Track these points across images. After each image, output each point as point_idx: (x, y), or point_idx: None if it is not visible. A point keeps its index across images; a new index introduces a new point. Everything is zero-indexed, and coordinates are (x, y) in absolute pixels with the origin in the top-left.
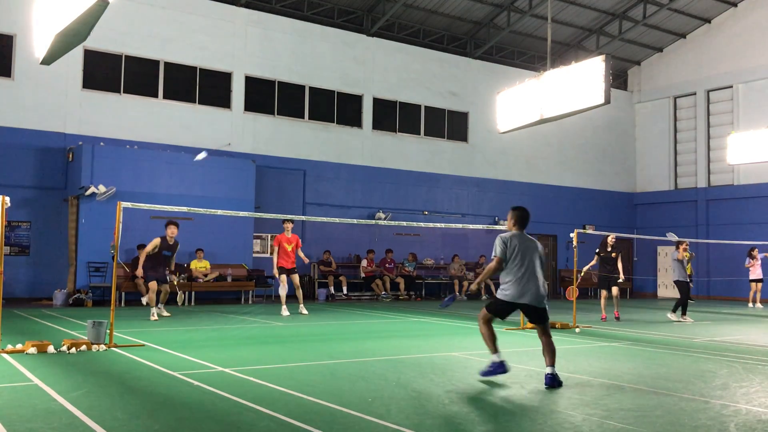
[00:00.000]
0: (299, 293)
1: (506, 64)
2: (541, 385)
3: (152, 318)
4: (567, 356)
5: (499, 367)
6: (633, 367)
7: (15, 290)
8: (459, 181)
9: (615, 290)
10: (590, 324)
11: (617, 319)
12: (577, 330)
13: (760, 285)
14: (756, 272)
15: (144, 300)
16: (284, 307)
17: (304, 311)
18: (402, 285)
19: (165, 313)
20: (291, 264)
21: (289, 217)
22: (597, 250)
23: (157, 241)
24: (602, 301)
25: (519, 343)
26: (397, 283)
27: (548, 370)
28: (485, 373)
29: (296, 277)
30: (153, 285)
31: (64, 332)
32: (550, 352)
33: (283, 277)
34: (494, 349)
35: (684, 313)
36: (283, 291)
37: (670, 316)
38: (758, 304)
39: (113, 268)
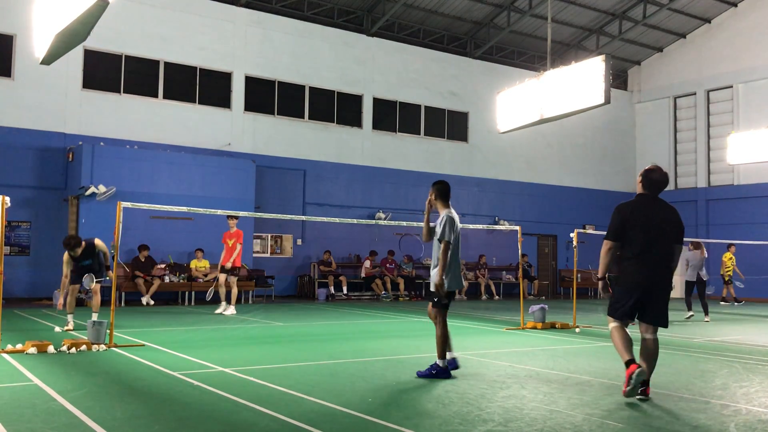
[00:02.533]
0: (233, 292)
1: (506, 64)
2: (541, 384)
3: (65, 328)
4: (567, 356)
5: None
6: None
7: (15, 290)
8: (459, 181)
9: None
10: (590, 324)
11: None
12: (577, 330)
13: None
14: None
15: (144, 300)
16: (232, 306)
17: (228, 312)
18: (402, 285)
19: (69, 326)
20: (232, 262)
21: (232, 213)
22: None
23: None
24: None
25: (519, 343)
26: (397, 283)
27: (450, 355)
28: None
29: (233, 279)
30: (74, 289)
31: (64, 332)
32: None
33: (222, 277)
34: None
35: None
36: (222, 290)
37: (707, 319)
38: None
39: (113, 268)
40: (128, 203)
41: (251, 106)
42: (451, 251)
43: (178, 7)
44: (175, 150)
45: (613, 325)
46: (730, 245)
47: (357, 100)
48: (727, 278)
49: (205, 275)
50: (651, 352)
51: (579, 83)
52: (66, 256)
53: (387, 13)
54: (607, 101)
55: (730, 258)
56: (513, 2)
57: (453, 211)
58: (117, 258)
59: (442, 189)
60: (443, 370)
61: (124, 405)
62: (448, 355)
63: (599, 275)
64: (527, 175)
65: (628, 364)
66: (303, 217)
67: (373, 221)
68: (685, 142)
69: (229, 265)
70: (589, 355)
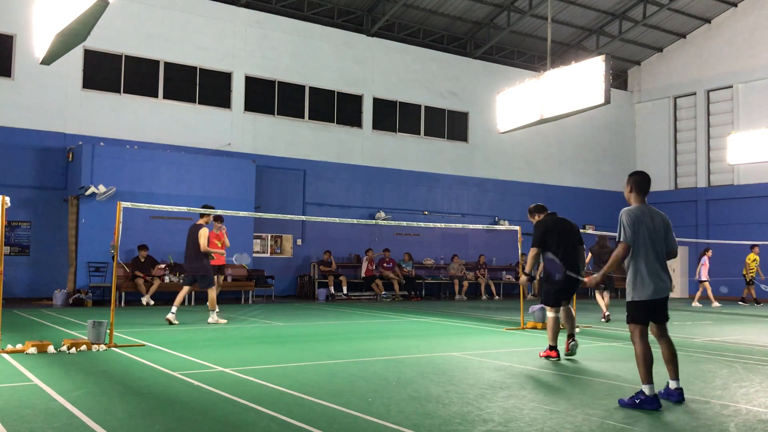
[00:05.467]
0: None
1: (506, 64)
2: (541, 385)
3: (221, 321)
4: (567, 356)
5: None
6: (633, 367)
7: (15, 290)
8: (459, 181)
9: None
10: (590, 324)
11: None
12: (577, 330)
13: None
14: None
15: (144, 300)
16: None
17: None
18: (396, 285)
19: (175, 322)
20: (222, 261)
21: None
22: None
23: (207, 230)
24: (602, 300)
25: (519, 343)
26: (392, 282)
27: (673, 384)
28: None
29: (220, 278)
30: (215, 290)
31: (64, 332)
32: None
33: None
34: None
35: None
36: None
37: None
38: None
39: (113, 268)
40: (128, 203)
41: (251, 106)
42: (633, 254)
43: (178, 7)
44: (175, 150)
45: (551, 315)
46: (753, 246)
47: (357, 100)
48: (749, 279)
49: None
50: (571, 316)
51: (579, 83)
52: (207, 230)
53: (387, 13)
54: (607, 101)
55: (754, 259)
56: (513, 2)
57: (643, 206)
58: (117, 258)
59: (638, 180)
60: (650, 399)
61: (124, 405)
62: (671, 384)
63: (527, 271)
64: (527, 175)
65: (552, 348)
66: (303, 217)
67: (373, 221)
68: (685, 142)
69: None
70: (589, 355)
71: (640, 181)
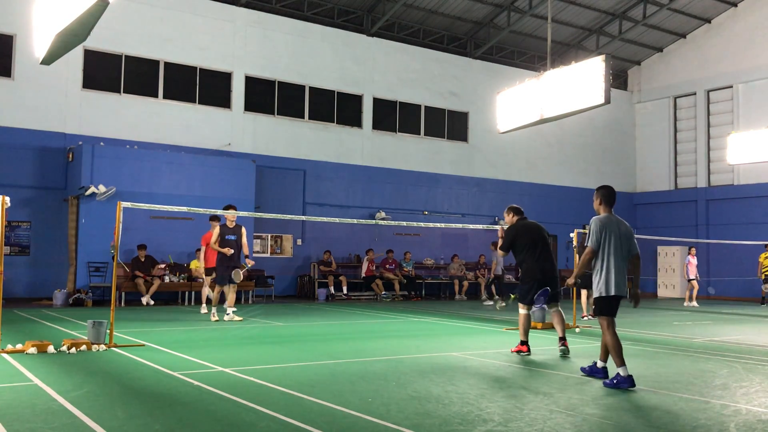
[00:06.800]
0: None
1: (506, 64)
2: (541, 385)
3: (213, 318)
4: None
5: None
6: (633, 367)
7: (15, 290)
8: (459, 181)
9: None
10: (590, 324)
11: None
12: (577, 330)
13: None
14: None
15: (144, 300)
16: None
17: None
18: (397, 285)
19: (237, 318)
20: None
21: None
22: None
23: (218, 229)
24: (585, 300)
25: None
26: (392, 282)
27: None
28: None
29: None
30: (219, 289)
31: (64, 332)
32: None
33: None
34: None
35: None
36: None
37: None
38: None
39: (113, 268)
40: (128, 203)
41: (251, 106)
42: (603, 255)
43: (178, 7)
44: (175, 150)
45: (523, 312)
46: (767, 245)
47: (357, 100)
48: (763, 278)
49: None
50: (559, 320)
51: (579, 83)
52: (218, 229)
53: (387, 13)
54: (607, 101)
55: (767, 257)
56: (513, 2)
57: (610, 215)
58: (117, 258)
59: (606, 194)
60: (624, 379)
61: (124, 405)
62: (599, 364)
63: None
64: (527, 175)
65: (524, 342)
66: (303, 217)
67: (373, 221)
68: (685, 142)
69: None
70: (589, 355)
71: (607, 194)
